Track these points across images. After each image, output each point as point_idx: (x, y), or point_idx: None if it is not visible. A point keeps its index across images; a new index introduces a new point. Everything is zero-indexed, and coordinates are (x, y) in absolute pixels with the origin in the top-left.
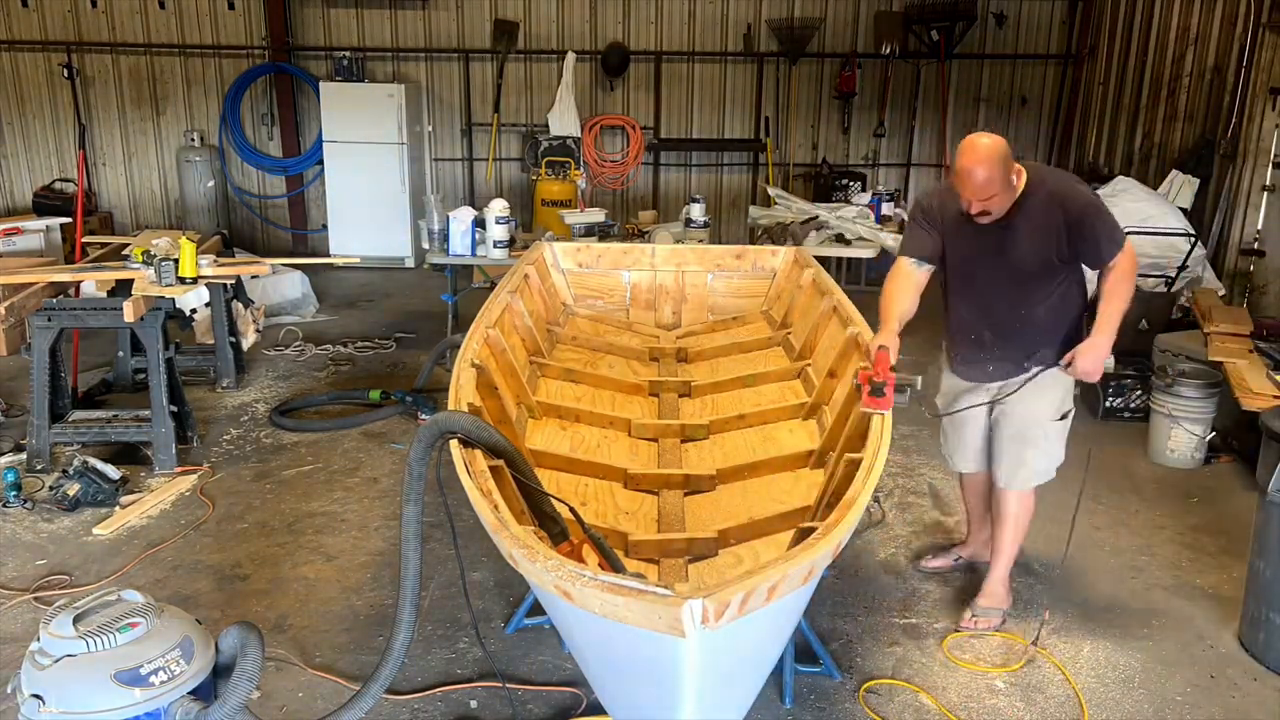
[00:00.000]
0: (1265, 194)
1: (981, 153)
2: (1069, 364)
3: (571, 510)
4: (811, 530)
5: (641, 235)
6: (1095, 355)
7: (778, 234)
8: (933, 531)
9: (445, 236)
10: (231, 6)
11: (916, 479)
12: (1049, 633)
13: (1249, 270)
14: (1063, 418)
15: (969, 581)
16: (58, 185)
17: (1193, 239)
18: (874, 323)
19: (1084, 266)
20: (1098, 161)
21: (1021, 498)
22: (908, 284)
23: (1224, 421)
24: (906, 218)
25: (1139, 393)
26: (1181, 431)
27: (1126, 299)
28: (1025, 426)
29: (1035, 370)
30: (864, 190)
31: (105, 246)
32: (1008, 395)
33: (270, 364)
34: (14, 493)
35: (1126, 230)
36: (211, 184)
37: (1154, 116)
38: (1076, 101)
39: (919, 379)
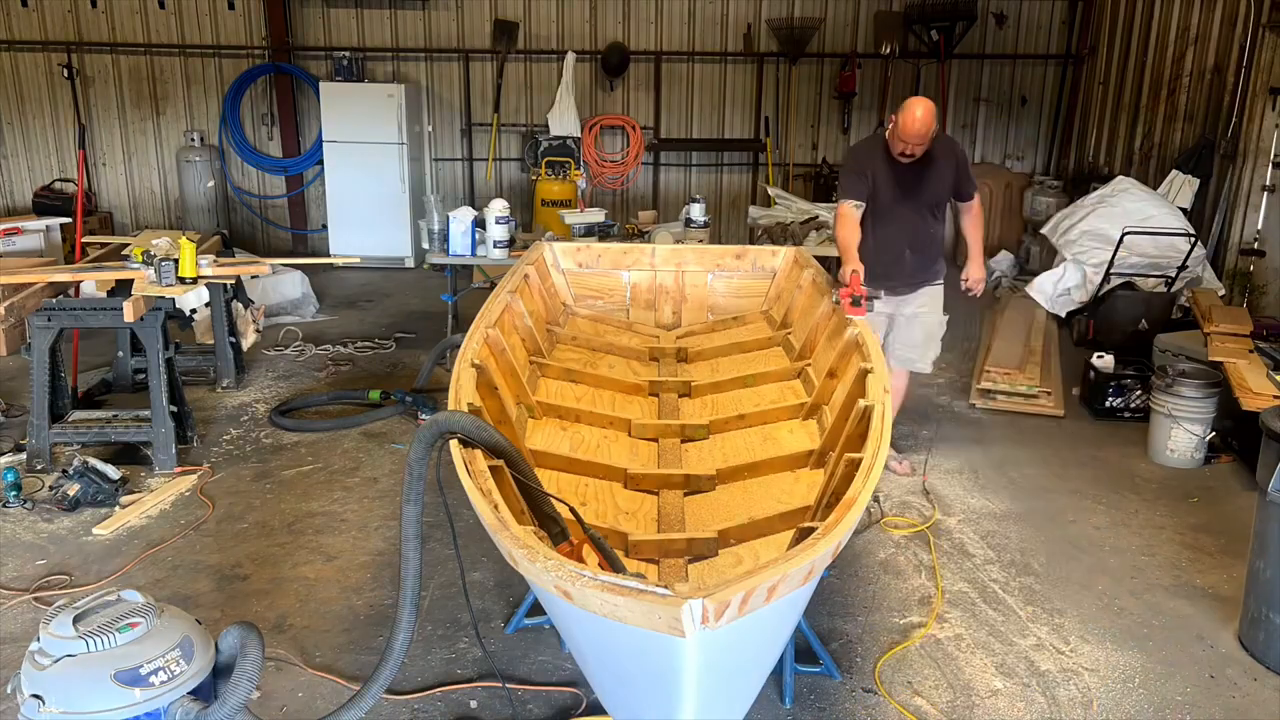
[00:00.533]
0: (1265, 194)
1: (920, 106)
2: (966, 283)
3: (571, 510)
4: (811, 530)
5: (641, 235)
6: (982, 274)
7: (778, 234)
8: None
9: (445, 236)
10: (231, 6)
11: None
12: (1049, 631)
13: (1249, 270)
14: (943, 320)
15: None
16: (58, 185)
17: (1193, 239)
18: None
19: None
20: (1098, 161)
21: (910, 377)
22: (854, 222)
23: (1224, 421)
24: (842, 173)
25: (1139, 393)
26: (1181, 431)
27: (984, 231)
28: (932, 326)
29: (936, 284)
30: None
31: (105, 246)
32: (917, 306)
33: (270, 364)
34: (14, 493)
35: (1126, 230)
36: (211, 184)
37: (1154, 116)
38: (1076, 101)
39: (881, 292)
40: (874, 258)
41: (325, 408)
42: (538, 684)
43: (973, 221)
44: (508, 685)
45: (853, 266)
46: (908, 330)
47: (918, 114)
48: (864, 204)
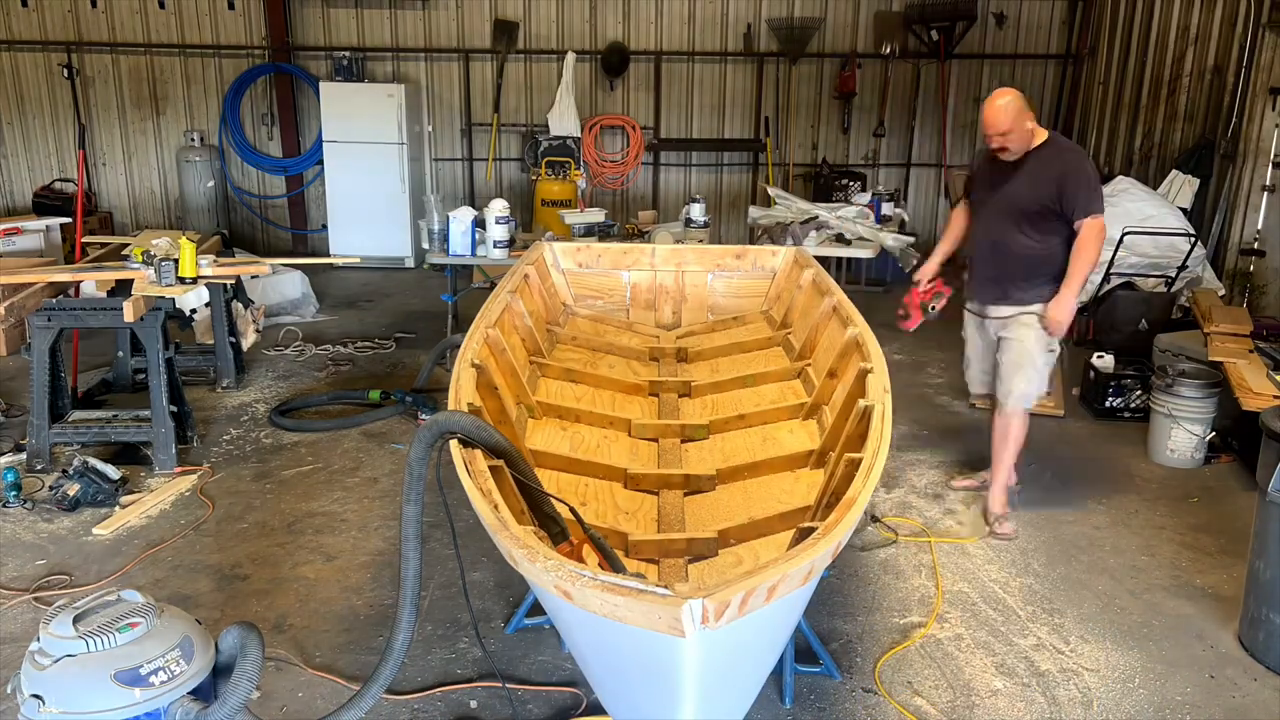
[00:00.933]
0: (1265, 194)
1: (1001, 96)
2: (1042, 320)
3: (572, 510)
4: (811, 530)
5: (641, 235)
6: (1060, 307)
7: (778, 234)
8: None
9: (445, 236)
10: (231, 6)
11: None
12: (1049, 631)
13: (1249, 270)
14: (1050, 351)
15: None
16: (58, 185)
17: (1193, 239)
18: (876, 324)
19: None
20: (1098, 161)
21: (1018, 418)
22: (956, 218)
23: (1224, 421)
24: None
25: (1139, 393)
26: (1181, 431)
27: (1089, 263)
28: (1019, 355)
29: (1032, 308)
30: (864, 190)
31: (105, 246)
32: (1005, 327)
33: (270, 364)
34: (14, 493)
35: (1126, 230)
36: (211, 184)
37: (1154, 116)
38: (1076, 101)
39: (939, 299)
40: (970, 258)
41: (325, 408)
42: (538, 684)
43: (1075, 246)
44: (508, 685)
45: (927, 271)
46: (993, 353)
47: (997, 103)
48: (967, 200)
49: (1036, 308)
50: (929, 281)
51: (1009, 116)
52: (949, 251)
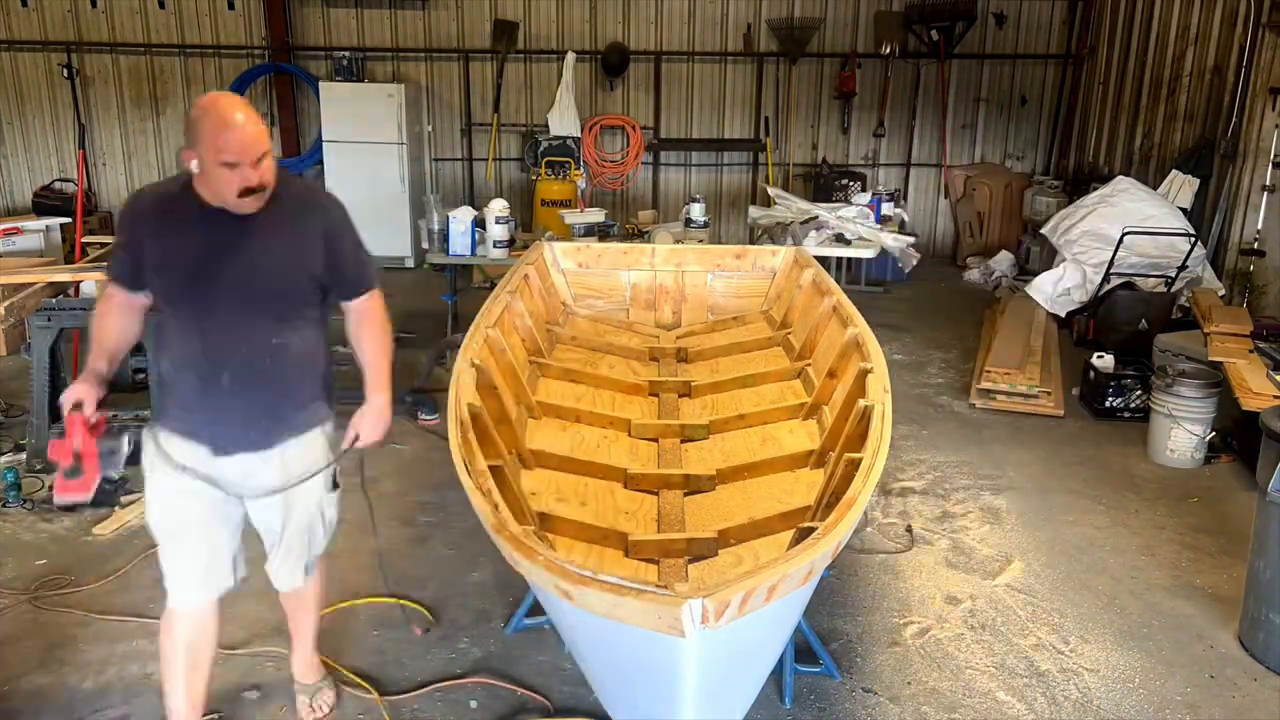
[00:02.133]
0: (1265, 194)
1: (239, 101)
2: (355, 439)
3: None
4: (811, 530)
5: (641, 235)
6: (380, 419)
7: (778, 234)
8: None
9: (445, 236)
10: (231, 6)
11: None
12: (1049, 630)
13: (1249, 270)
14: (334, 488)
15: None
16: (57, 185)
17: (1193, 239)
18: (876, 324)
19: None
20: (1098, 161)
21: (318, 579)
22: (118, 308)
23: (1224, 421)
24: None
25: (1139, 393)
26: (1181, 431)
27: (390, 348)
28: (313, 510)
29: (311, 433)
30: (864, 190)
31: (105, 246)
32: (279, 474)
33: None
34: (14, 493)
35: (1126, 230)
36: None
37: (1154, 116)
38: (1076, 101)
39: (124, 438)
40: (165, 389)
41: None
42: (538, 685)
43: (367, 329)
44: (507, 685)
45: (78, 393)
46: (239, 519)
47: (237, 117)
48: (139, 292)
49: (318, 432)
50: (86, 414)
51: (265, 137)
52: (115, 354)
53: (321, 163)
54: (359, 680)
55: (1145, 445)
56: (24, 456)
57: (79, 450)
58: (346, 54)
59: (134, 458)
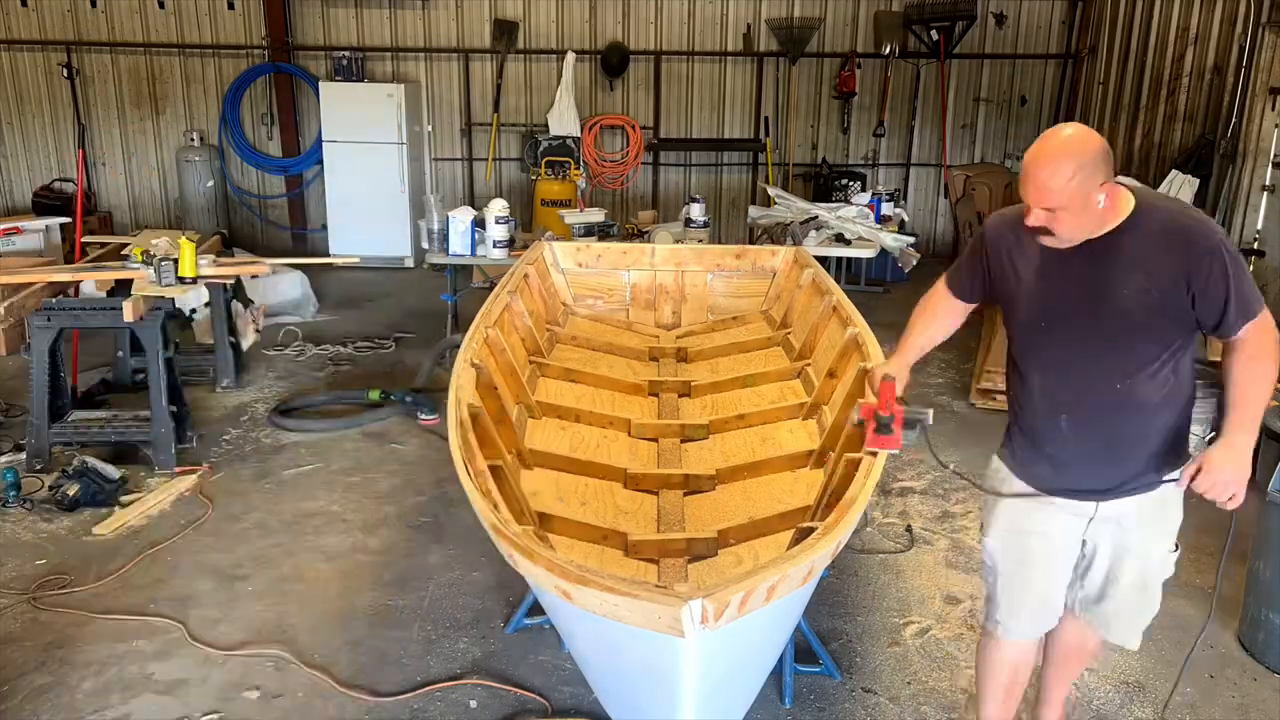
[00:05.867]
0: (1265, 194)
1: (1055, 144)
2: (1195, 476)
3: None
4: (811, 530)
5: (641, 235)
6: (1235, 464)
7: (778, 234)
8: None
9: (445, 236)
10: (231, 6)
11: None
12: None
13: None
14: (1175, 549)
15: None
16: (57, 185)
17: None
18: (876, 324)
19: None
20: None
21: (1101, 645)
22: (937, 315)
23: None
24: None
25: None
26: None
27: (1268, 387)
28: (1149, 569)
29: (1156, 490)
30: (864, 190)
31: (105, 246)
32: (1122, 528)
33: (270, 364)
34: (13, 493)
35: None
36: (211, 184)
37: (1154, 116)
38: (1076, 101)
39: (929, 413)
40: (1016, 425)
41: (325, 408)
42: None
43: (1240, 363)
44: (507, 686)
45: (889, 369)
46: (1104, 567)
47: (1037, 163)
48: (963, 300)
49: (1164, 483)
50: (890, 398)
51: (1062, 185)
52: (923, 349)
53: (321, 162)
54: None
55: None
56: (24, 456)
57: (893, 412)
58: (346, 53)
59: (130, 458)
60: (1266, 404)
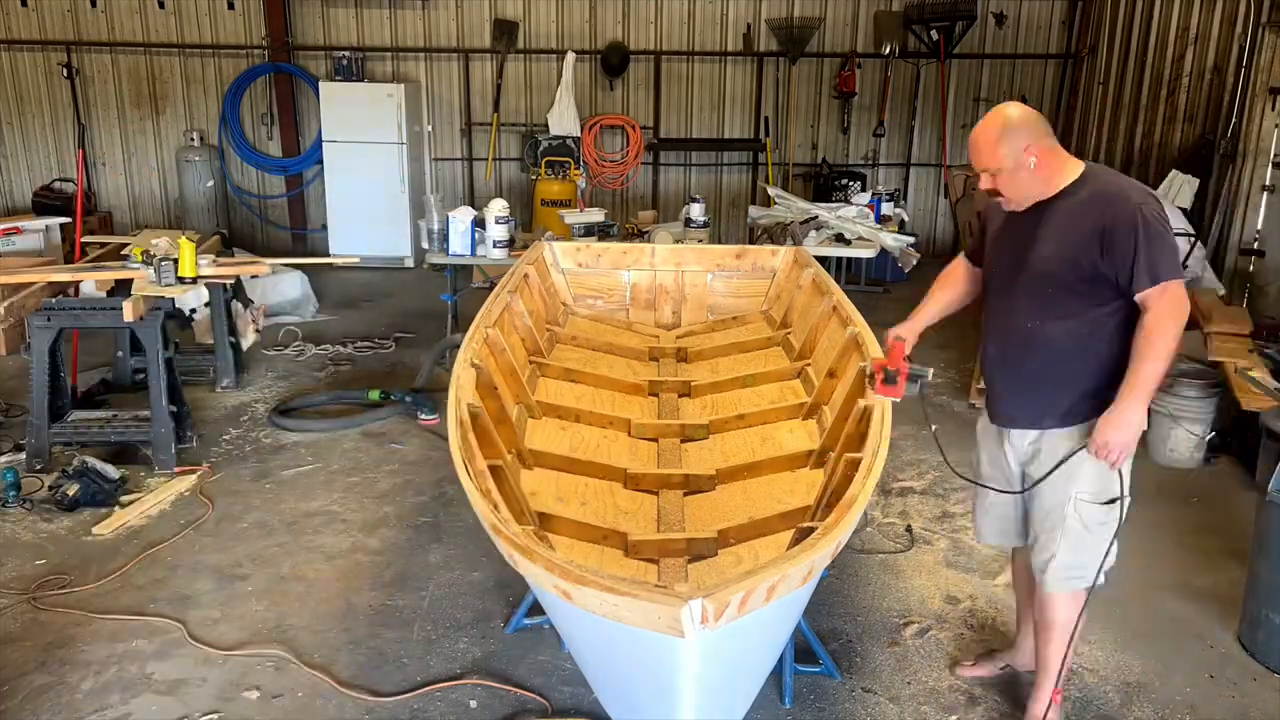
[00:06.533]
0: (1265, 194)
1: (989, 118)
2: (1091, 444)
3: None
4: (811, 530)
5: (641, 235)
6: (1118, 425)
7: (778, 234)
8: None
9: (445, 236)
10: (231, 6)
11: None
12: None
13: (1249, 270)
14: (1108, 502)
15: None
16: (57, 185)
17: (1193, 239)
18: (876, 323)
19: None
20: (1097, 161)
21: (1061, 600)
22: (956, 279)
23: (1224, 421)
24: None
25: None
26: (1181, 431)
27: (1162, 355)
28: (1055, 505)
29: (1068, 429)
30: (864, 190)
31: (105, 246)
32: (1037, 462)
33: (270, 364)
34: (13, 493)
35: None
36: (211, 184)
37: (1154, 116)
38: (1076, 101)
39: (930, 371)
40: (983, 349)
41: (325, 408)
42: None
43: (1141, 332)
44: (506, 685)
45: (900, 331)
46: (1029, 503)
47: (974, 134)
48: (970, 262)
49: (1077, 427)
50: (899, 356)
51: (993, 150)
52: (936, 315)
53: (321, 162)
54: None
55: (1145, 445)
56: (24, 456)
57: (899, 368)
58: (346, 53)
59: (130, 458)
60: (1160, 374)
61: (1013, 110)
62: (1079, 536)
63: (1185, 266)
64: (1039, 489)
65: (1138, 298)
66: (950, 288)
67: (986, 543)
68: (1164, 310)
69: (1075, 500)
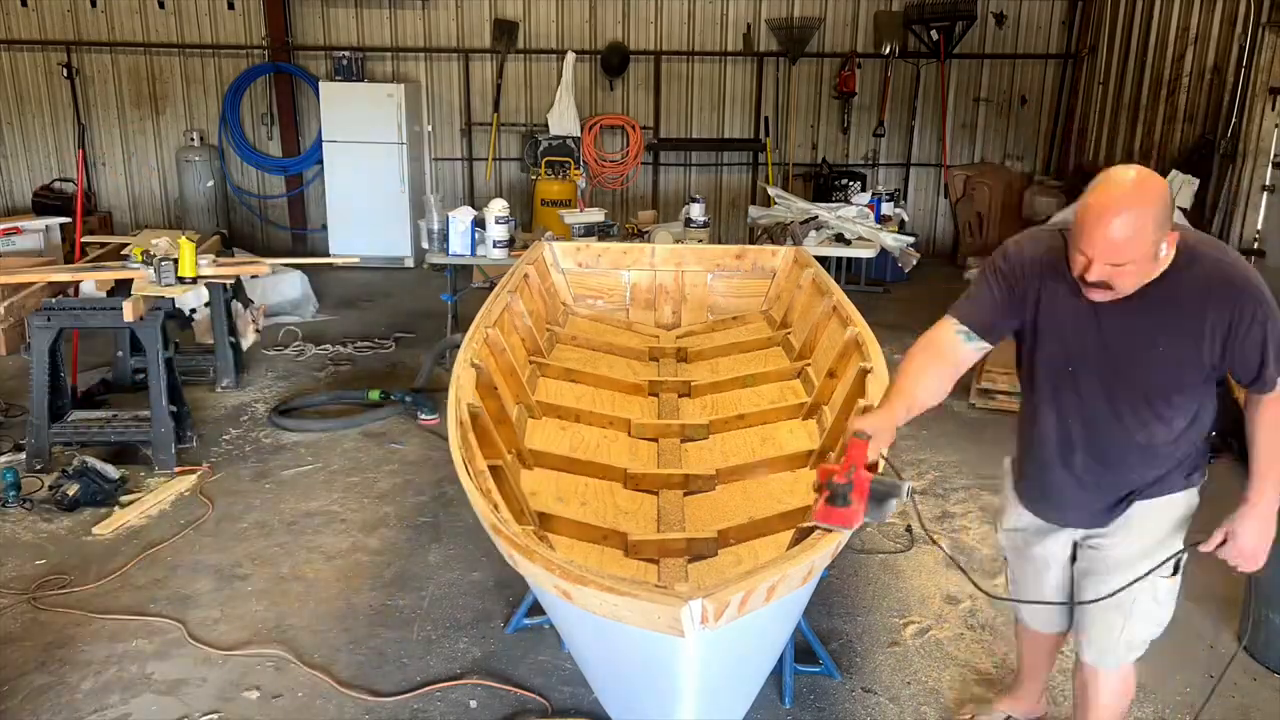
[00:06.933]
0: (1265, 194)
1: (1124, 193)
2: (1222, 544)
3: None
4: (811, 530)
5: (641, 235)
6: (1261, 534)
7: (778, 234)
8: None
9: (445, 236)
10: (231, 6)
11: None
12: None
13: None
14: (1175, 572)
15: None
16: (57, 185)
17: None
18: (876, 324)
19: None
20: (1097, 161)
21: (1117, 677)
22: (942, 358)
23: (1224, 421)
24: (981, 268)
25: None
26: None
27: None
28: (1133, 592)
29: (1147, 501)
30: (863, 190)
31: (105, 246)
32: (1107, 544)
33: (270, 364)
34: (13, 493)
35: None
36: (211, 184)
37: (1154, 116)
38: (1076, 101)
39: (906, 485)
40: (1023, 454)
41: (325, 408)
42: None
43: (1268, 423)
44: (506, 685)
45: (866, 424)
46: (1082, 585)
47: (1110, 217)
48: (984, 342)
49: (1178, 499)
50: (860, 461)
51: (1138, 241)
52: (919, 408)
53: (321, 162)
54: None
55: None
56: (24, 456)
57: (852, 480)
58: (346, 53)
59: (130, 458)
60: None
61: (1154, 185)
62: (1151, 613)
63: None
64: (1101, 567)
65: (1274, 395)
66: (935, 367)
67: (1038, 629)
68: None
69: (1155, 579)
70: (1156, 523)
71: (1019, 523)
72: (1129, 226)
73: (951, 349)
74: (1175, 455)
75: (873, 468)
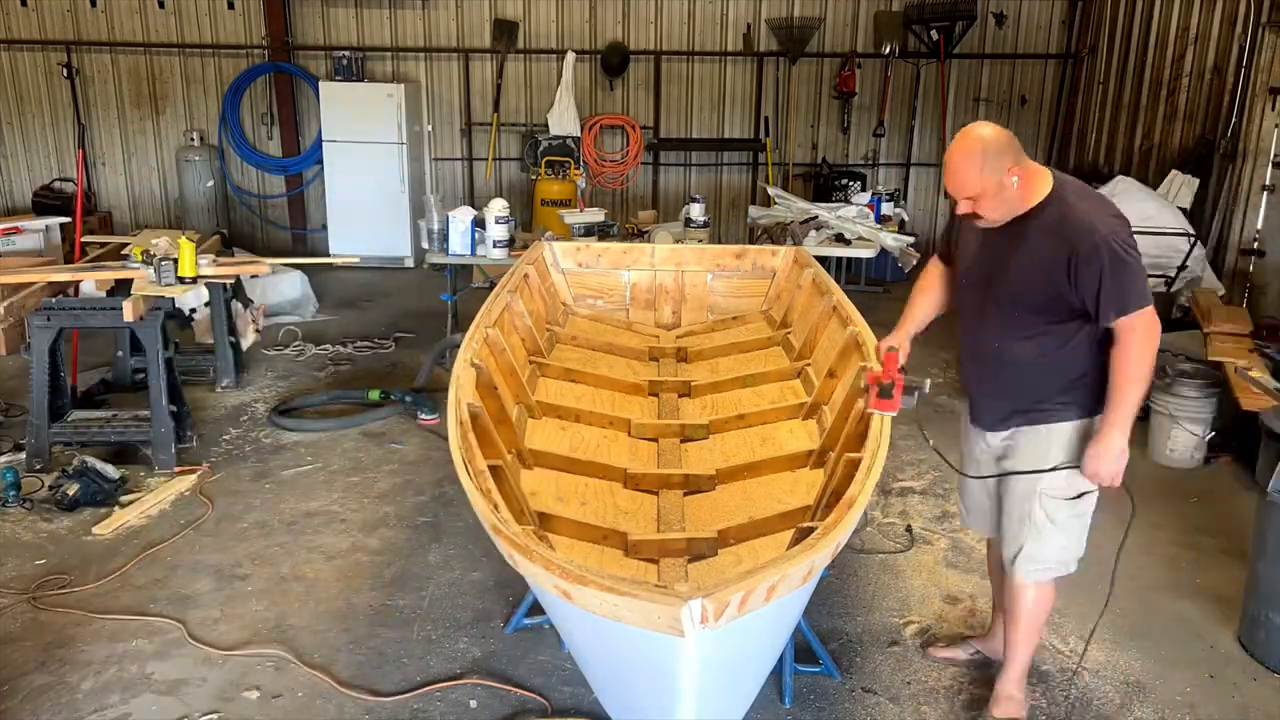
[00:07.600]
0: (1265, 194)
1: (966, 142)
2: (1084, 467)
3: None
4: (811, 530)
5: (641, 235)
6: (1107, 457)
7: (778, 234)
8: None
9: (445, 236)
10: (231, 6)
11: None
12: (1048, 630)
13: (1249, 270)
14: (1077, 497)
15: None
16: (57, 185)
17: (1192, 239)
18: (876, 323)
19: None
20: (1097, 161)
21: (1030, 591)
22: (931, 285)
23: (1224, 421)
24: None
25: None
26: (1181, 431)
27: (1137, 381)
28: (1024, 498)
29: (1039, 427)
30: (864, 190)
31: (104, 246)
32: (1009, 458)
33: (270, 364)
34: (13, 493)
35: None
36: (211, 184)
37: (1154, 116)
38: (1076, 101)
39: (927, 382)
40: (960, 353)
41: (325, 407)
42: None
43: (1114, 359)
44: (506, 685)
45: (891, 341)
46: (1002, 496)
47: (951, 161)
48: (944, 264)
49: (1065, 427)
50: (893, 367)
51: (974, 177)
52: (923, 322)
53: (321, 162)
54: None
55: (1145, 445)
56: (24, 456)
57: (895, 380)
58: (346, 53)
59: (130, 458)
60: (1139, 400)
61: (987, 130)
62: (1046, 531)
63: (1185, 267)
64: (1010, 484)
65: (1112, 328)
66: (931, 291)
67: (969, 528)
68: (1136, 340)
69: (1041, 495)
70: (1037, 446)
71: (964, 419)
72: (961, 168)
73: (935, 275)
74: (1047, 386)
75: (903, 370)
